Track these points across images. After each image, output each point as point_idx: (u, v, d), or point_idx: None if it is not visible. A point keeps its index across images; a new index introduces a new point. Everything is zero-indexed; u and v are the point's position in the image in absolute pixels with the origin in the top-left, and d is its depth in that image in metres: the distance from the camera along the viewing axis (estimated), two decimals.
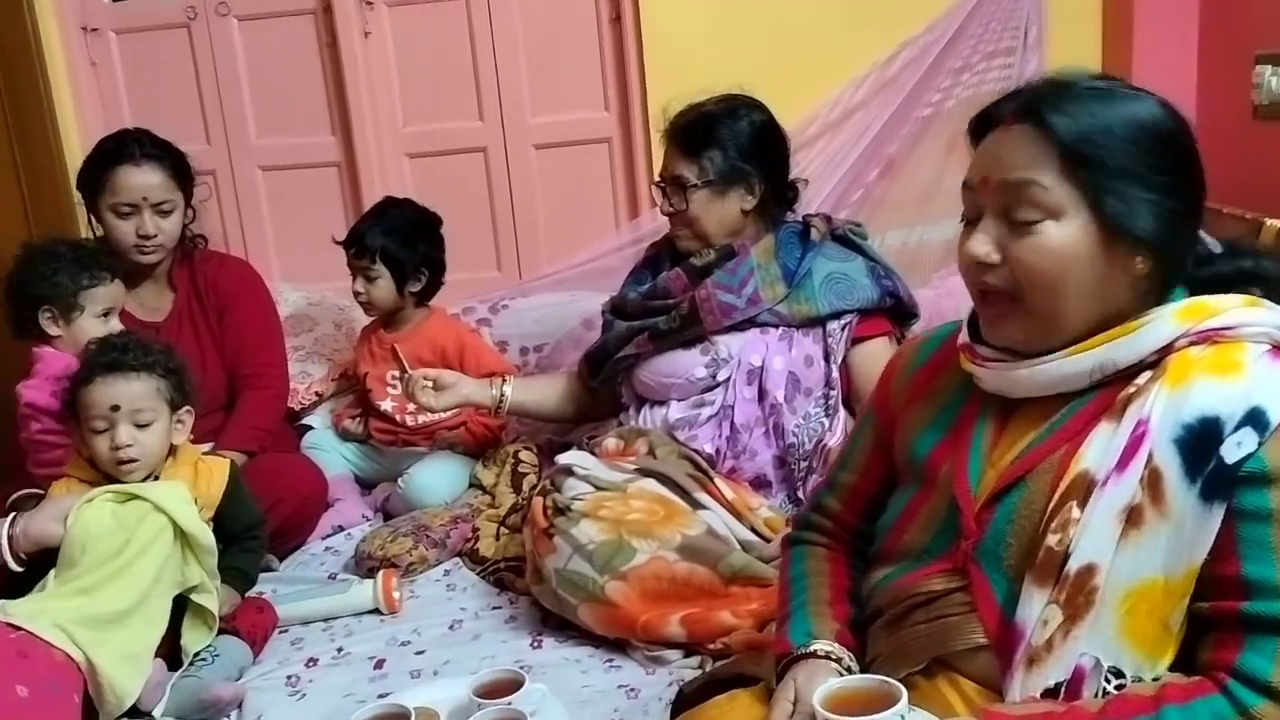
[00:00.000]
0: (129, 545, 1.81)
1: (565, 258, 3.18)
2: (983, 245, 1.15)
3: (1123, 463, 1.07)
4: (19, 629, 1.70)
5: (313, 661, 1.98)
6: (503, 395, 2.42)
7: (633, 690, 1.80)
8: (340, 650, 2.02)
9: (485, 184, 3.25)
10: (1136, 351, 1.11)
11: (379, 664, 1.96)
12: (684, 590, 1.90)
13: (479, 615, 2.13)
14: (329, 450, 2.78)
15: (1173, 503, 1.05)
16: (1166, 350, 1.10)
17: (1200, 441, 1.04)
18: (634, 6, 2.99)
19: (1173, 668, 1.06)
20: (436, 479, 2.58)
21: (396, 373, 2.42)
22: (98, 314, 2.28)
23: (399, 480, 2.62)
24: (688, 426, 2.19)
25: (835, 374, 2.17)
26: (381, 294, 2.68)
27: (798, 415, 2.15)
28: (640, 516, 1.95)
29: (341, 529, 2.57)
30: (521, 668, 1.74)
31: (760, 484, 2.18)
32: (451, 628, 2.08)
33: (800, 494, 2.16)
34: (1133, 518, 1.06)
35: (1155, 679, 1.05)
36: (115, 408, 1.87)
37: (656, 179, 2.29)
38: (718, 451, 2.17)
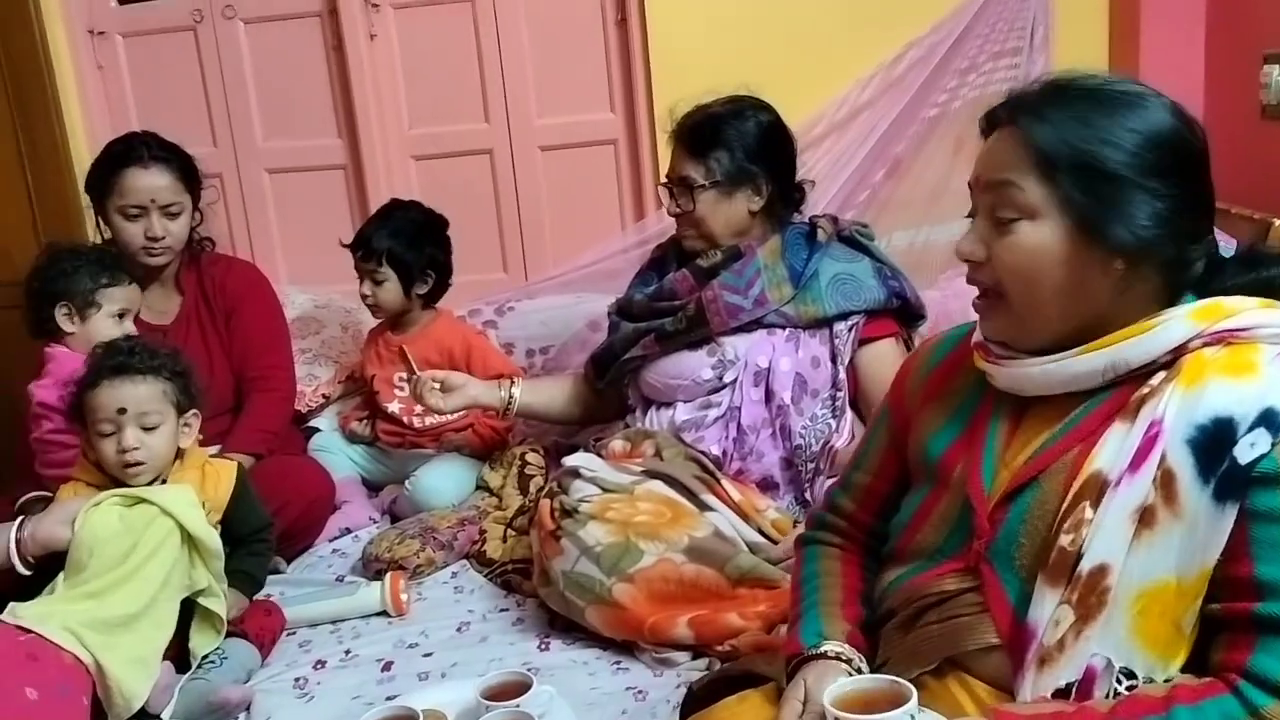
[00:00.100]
0: (136, 549, 1.81)
1: (571, 260, 3.17)
2: (968, 243, 1.19)
3: (1136, 463, 1.07)
4: (28, 631, 1.70)
5: (321, 664, 1.98)
6: (511, 397, 2.42)
7: (640, 692, 1.80)
8: (348, 652, 2.02)
9: (491, 186, 3.25)
10: (1149, 351, 1.11)
11: (387, 666, 1.96)
12: (691, 592, 1.90)
13: (486, 617, 2.12)
14: (336, 452, 2.78)
15: (1186, 503, 1.05)
16: (1180, 351, 1.11)
17: (1214, 442, 1.04)
18: (639, 8, 2.99)
19: (1185, 670, 1.06)
20: (443, 481, 2.58)
21: (404, 374, 2.42)
22: (113, 313, 2.31)
23: (406, 482, 2.62)
24: (694, 428, 2.19)
25: (842, 375, 2.17)
26: (388, 296, 2.68)
27: (805, 417, 2.15)
28: (647, 518, 1.95)
29: (349, 531, 2.57)
30: (529, 670, 1.76)
31: (767, 485, 2.17)
32: (459, 630, 2.08)
33: (807, 495, 2.16)
34: (1145, 518, 1.06)
35: (1167, 680, 1.05)
36: (122, 411, 1.87)
37: (663, 180, 2.29)
38: (724, 453, 2.16)
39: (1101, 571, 1.07)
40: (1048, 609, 1.10)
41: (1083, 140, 1.11)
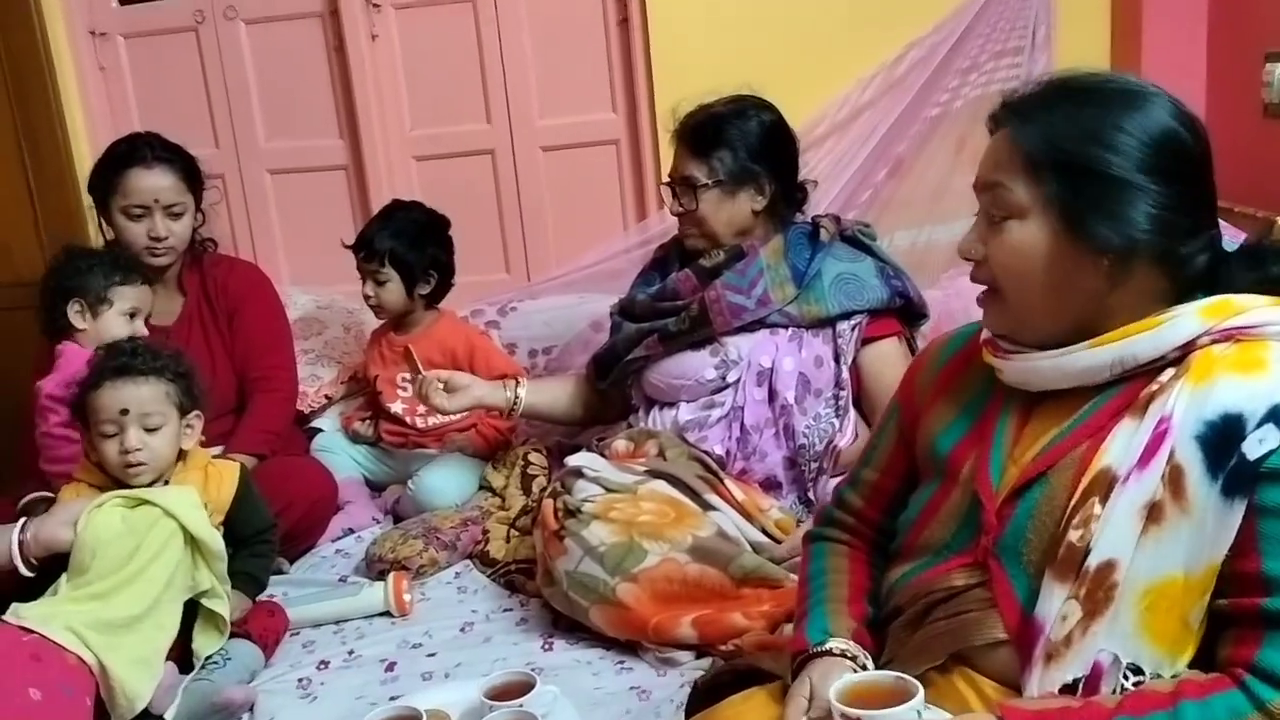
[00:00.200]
0: (140, 551, 1.81)
1: (573, 260, 3.18)
2: (966, 242, 1.22)
3: (1144, 459, 1.08)
4: (32, 632, 1.70)
5: (324, 664, 1.98)
6: (517, 398, 2.41)
7: (644, 692, 1.80)
8: (351, 653, 2.02)
9: (493, 187, 3.24)
10: (1158, 346, 1.12)
11: (390, 666, 1.96)
12: (695, 592, 1.89)
13: (490, 617, 2.12)
14: (339, 453, 2.78)
15: (1194, 499, 1.05)
16: (1189, 347, 1.11)
17: (1222, 438, 1.05)
18: (641, 8, 2.99)
19: (1191, 666, 1.06)
20: (446, 481, 2.58)
21: (408, 374, 2.42)
22: (124, 312, 2.32)
23: (409, 483, 2.62)
24: (698, 428, 2.19)
25: (845, 375, 2.17)
26: (391, 297, 2.68)
27: (808, 416, 2.15)
28: (651, 518, 1.95)
29: (351, 531, 2.56)
30: (533, 670, 1.75)
31: (770, 485, 2.17)
32: (463, 630, 2.08)
33: (810, 495, 2.16)
34: (1154, 514, 1.06)
35: (1173, 676, 1.05)
36: (124, 412, 1.87)
37: (665, 179, 2.29)
38: (728, 453, 2.16)
39: (1109, 567, 1.07)
40: (1055, 604, 1.10)
41: (1068, 140, 1.13)
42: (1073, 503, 1.11)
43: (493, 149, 3.22)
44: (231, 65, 3.26)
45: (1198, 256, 1.14)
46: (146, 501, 1.85)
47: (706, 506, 2.03)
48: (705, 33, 2.96)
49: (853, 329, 2.18)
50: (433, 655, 1.99)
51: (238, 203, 3.34)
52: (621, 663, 1.90)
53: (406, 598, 2.15)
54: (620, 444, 2.20)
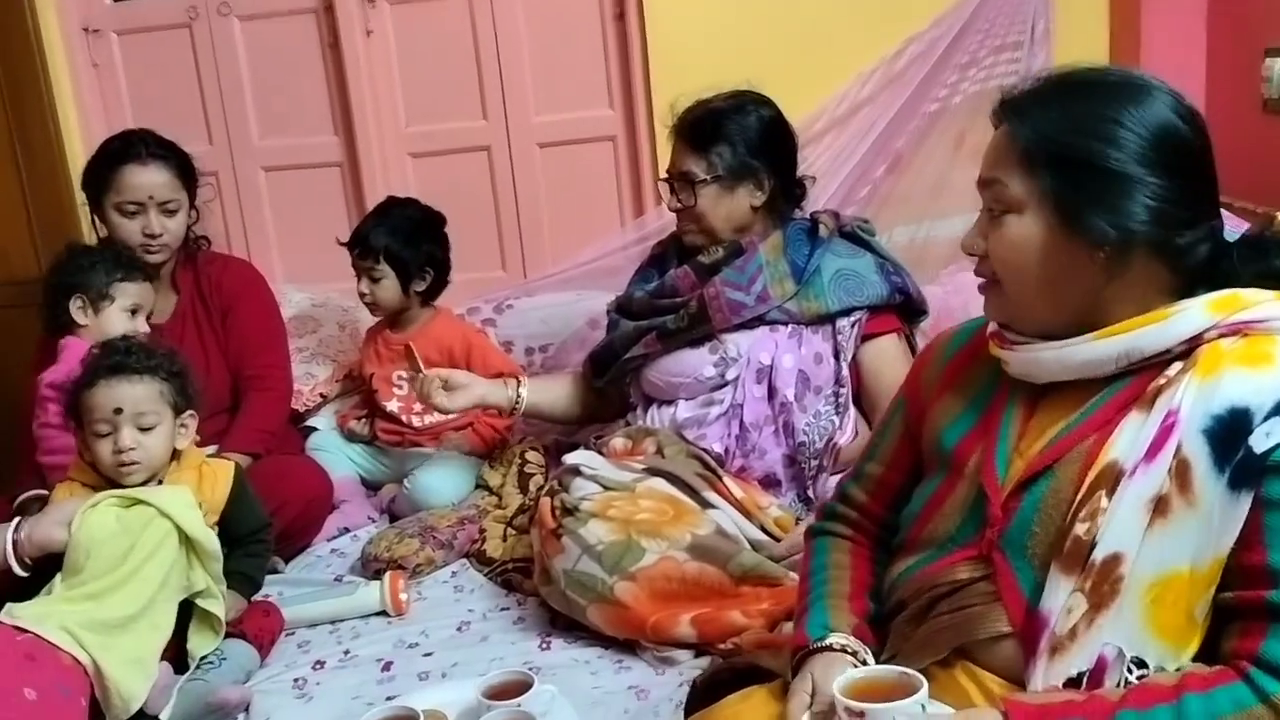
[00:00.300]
0: (134, 551, 1.80)
1: (570, 257, 3.17)
2: (968, 237, 1.25)
3: (1151, 453, 1.08)
4: (26, 632, 1.69)
5: (320, 664, 1.97)
6: (519, 397, 2.40)
7: (643, 691, 1.79)
8: (347, 652, 2.01)
9: (489, 183, 3.24)
10: (1164, 339, 1.12)
11: (386, 666, 1.95)
12: (694, 590, 1.89)
13: (487, 616, 2.11)
14: (334, 452, 2.76)
15: (1200, 493, 1.05)
16: (1196, 341, 1.11)
17: (1229, 432, 1.05)
18: (638, 3, 2.98)
19: (1196, 660, 1.06)
20: (443, 480, 2.57)
21: (408, 373, 2.40)
22: (126, 308, 2.32)
23: (405, 481, 2.61)
24: (696, 425, 2.18)
25: (845, 371, 2.16)
26: (386, 294, 2.67)
27: (808, 414, 2.14)
28: (649, 516, 1.94)
29: (347, 531, 2.55)
30: (530, 669, 1.75)
31: (769, 483, 2.17)
32: (459, 629, 2.07)
33: (810, 493, 2.15)
34: (1160, 507, 1.07)
35: (1178, 670, 1.05)
36: (118, 411, 1.85)
37: (664, 175, 2.28)
38: (726, 450, 2.16)
39: (1115, 560, 1.07)
40: (1061, 597, 1.10)
41: (1063, 134, 1.14)
42: (1079, 496, 1.12)
43: (489, 145, 3.21)
44: (225, 61, 3.25)
45: (1198, 247, 1.15)
46: (141, 501, 1.84)
47: (705, 504, 2.03)
48: (703, 28, 2.95)
49: (852, 325, 2.17)
50: (429, 655, 1.98)
51: (232, 200, 3.33)
52: (620, 662, 1.89)
53: (403, 597, 2.14)
54: (618, 442, 2.19)
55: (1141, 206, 1.11)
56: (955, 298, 2.47)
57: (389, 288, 2.66)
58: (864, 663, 1.23)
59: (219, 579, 1.91)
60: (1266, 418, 1.04)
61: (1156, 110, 1.13)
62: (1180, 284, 1.15)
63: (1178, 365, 1.11)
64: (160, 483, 1.92)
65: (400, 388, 2.72)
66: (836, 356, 2.16)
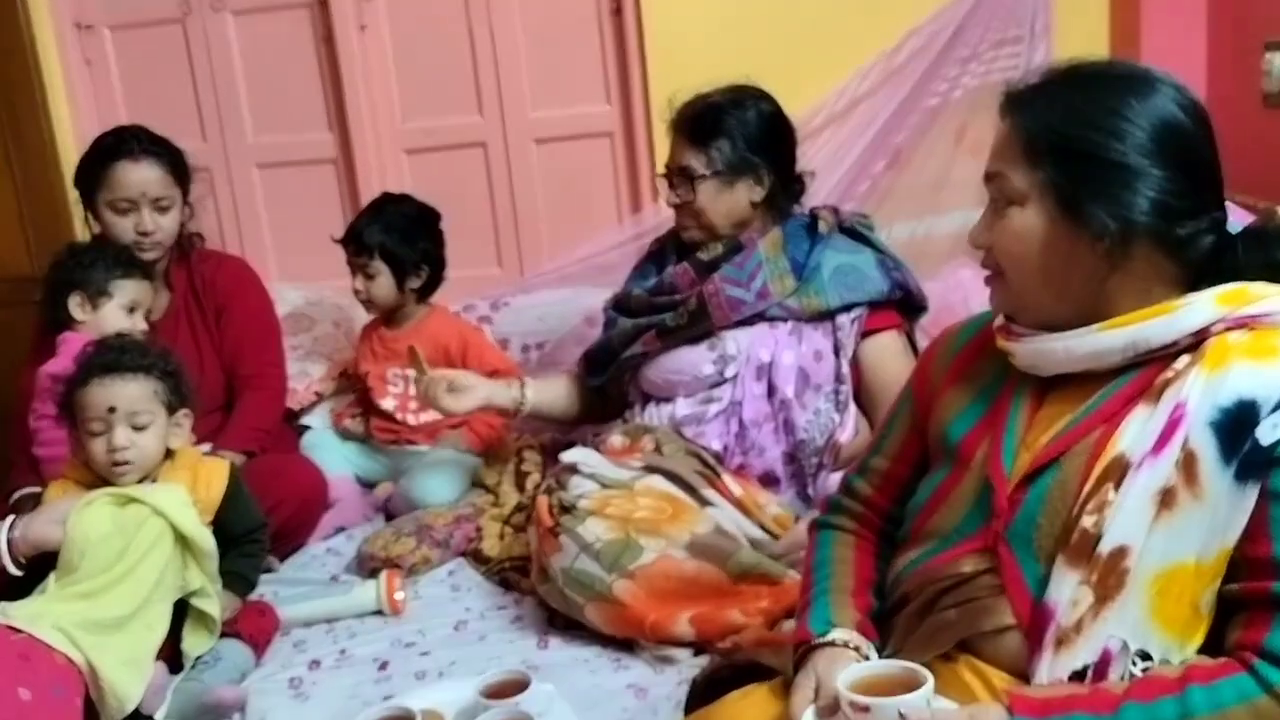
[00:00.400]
0: (129, 550, 1.79)
1: (567, 254, 3.16)
2: (974, 230, 1.26)
3: (1159, 445, 1.09)
4: (20, 632, 1.68)
5: (316, 664, 1.96)
6: (524, 398, 2.36)
7: (641, 690, 1.78)
8: (343, 652, 2.00)
9: (485, 180, 3.22)
10: (1171, 332, 1.13)
11: (383, 665, 1.94)
12: (693, 589, 1.88)
13: (484, 615, 2.10)
14: (329, 450, 2.75)
15: (1207, 485, 1.06)
16: (1204, 334, 1.12)
17: (1236, 424, 1.05)
18: None
19: (1200, 653, 1.06)
20: (439, 478, 2.56)
21: (413, 374, 2.36)
22: (124, 305, 2.33)
23: (400, 480, 2.60)
24: (695, 423, 2.17)
25: (845, 368, 2.14)
26: (381, 291, 2.66)
27: (808, 411, 2.13)
28: (648, 514, 1.94)
29: (342, 529, 2.55)
30: (528, 668, 1.74)
31: (768, 480, 2.15)
32: (456, 628, 2.06)
33: (810, 491, 2.14)
34: (1166, 500, 1.07)
35: (1182, 663, 1.06)
36: (112, 410, 1.84)
37: (662, 170, 2.26)
38: (725, 448, 2.14)
39: (1121, 553, 1.08)
40: (1067, 590, 1.10)
41: (1065, 126, 1.15)
42: (1087, 489, 1.12)
43: (485, 141, 3.20)
44: (218, 57, 3.24)
45: (1200, 239, 1.15)
46: (135, 500, 1.84)
47: (704, 502, 2.02)
48: (700, 22, 2.94)
49: (852, 322, 2.16)
50: (426, 654, 1.97)
51: (225, 197, 3.32)
52: (618, 661, 1.88)
53: (399, 596, 2.13)
54: (616, 439, 2.18)
55: (1143, 198, 1.11)
56: (955, 293, 2.46)
57: (384, 285, 2.65)
58: (867, 658, 1.22)
59: (214, 578, 1.91)
60: (1273, 410, 1.04)
61: (1159, 103, 1.13)
62: (1184, 276, 1.16)
63: (1185, 358, 1.12)
64: (154, 481, 1.91)
65: (395, 385, 2.71)
66: (836, 353, 2.15)
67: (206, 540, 1.88)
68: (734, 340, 2.17)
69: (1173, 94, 1.14)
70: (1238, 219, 1.20)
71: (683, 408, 2.19)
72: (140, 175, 2.44)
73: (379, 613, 2.13)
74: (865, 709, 1.08)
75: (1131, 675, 1.06)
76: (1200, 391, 1.08)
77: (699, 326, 2.18)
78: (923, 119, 2.87)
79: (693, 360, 2.19)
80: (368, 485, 2.76)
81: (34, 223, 3.24)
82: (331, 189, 3.29)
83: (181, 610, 1.86)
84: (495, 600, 2.16)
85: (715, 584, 1.89)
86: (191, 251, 2.62)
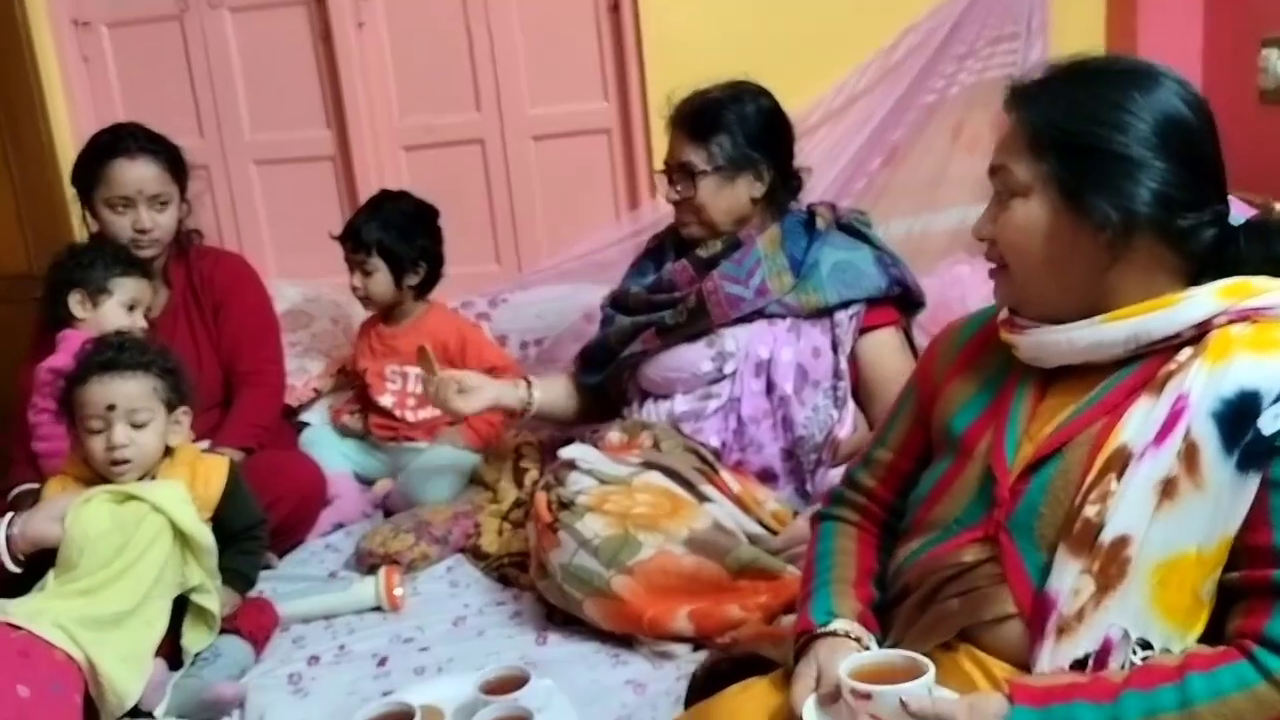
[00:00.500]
0: (128, 547, 1.79)
1: (565, 250, 3.16)
2: (978, 222, 1.27)
3: (1161, 436, 1.10)
4: (19, 629, 1.68)
5: (315, 659, 1.96)
6: (532, 398, 2.34)
7: (640, 686, 1.78)
8: (342, 648, 2.00)
9: (483, 176, 3.22)
10: (1173, 324, 1.14)
11: (382, 661, 1.94)
12: (691, 584, 1.88)
13: (483, 611, 2.10)
14: (328, 447, 2.75)
15: (1208, 475, 1.07)
16: (1206, 326, 1.13)
17: (1238, 415, 1.06)
18: None
19: (1201, 643, 1.07)
20: (437, 475, 2.56)
21: (421, 374, 2.35)
22: (123, 302, 2.33)
23: (399, 476, 2.60)
24: (694, 419, 2.17)
25: (844, 365, 2.14)
26: (379, 288, 2.66)
27: (807, 408, 2.13)
28: (646, 510, 1.94)
29: (341, 526, 2.55)
30: (527, 664, 1.73)
31: (766, 477, 2.15)
32: (455, 624, 2.06)
33: (808, 487, 2.14)
34: (1168, 490, 1.08)
35: (1182, 651, 1.07)
36: (111, 407, 1.84)
37: (661, 166, 2.26)
38: (724, 444, 2.15)
39: (1123, 542, 1.09)
40: (1068, 579, 1.11)
41: (1068, 118, 1.16)
42: (1089, 479, 1.13)
43: (483, 138, 3.20)
44: (216, 54, 3.23)
45: (1202, 231, 1.16)
46: (134, 497, 1.84)
47: (702, 498, 2.02)
48: (697, 19, 2.94)
49: (850, 318, 2.16)
50: (425, 650, 1.97)
51: (223, 194, 3.32)
52: (617, 656, 1.89)
53: (398, 592, 2.13)
54: (614, 435, 2.18)
55: (1145, 189, 1.12)
56: (952, 289, 2.46)
57: (381, 282, 2.65)
58: (867, 649, 1.23)
59: (213, 575, 1.91)
60: (1275, 401, 1.05)
61: (1163, 97, 1.15)
62: (1187, 268, 1.17)
63: (1188, 351, 1.13)
64: (153, 478, 1.91)
65: (394, 382, 2.71)
66: (835, 350, 2.15)
67: (205, 537, 1.88)
68: (733, 337, 2.17)
69: (1176, 89, 1.16)
70: (1240, 213, 1.21)
71: (681, 404, 2.20)
72: (137, 173, 2.44)
73: (378, 609, 2.13)
74: (867, 696, 1.08)
75: (1132, 664, 1.07)
76: (1203, 383, 1.09)
77: (698, 324, 2.18)
78: (919, 116, 2.87)
79: (691, 358, 2.19)
80: (366, 482, 2.76)
81: (32, 220, 3.24)
82: (330, 186, 3.29)
83: (181, 607, 1.86)
84: (494, 596, 2.16)
85: (713, 579, 1.89)
86: (190, 248, 2.62)
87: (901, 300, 2.23)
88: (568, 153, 3.16)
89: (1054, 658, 1.11)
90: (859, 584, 1.33)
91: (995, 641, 1.18)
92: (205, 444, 2.28)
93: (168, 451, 1.94)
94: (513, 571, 2.19)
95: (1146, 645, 1.07)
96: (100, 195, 2.45)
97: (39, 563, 1.82)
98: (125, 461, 1.85)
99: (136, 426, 1.86)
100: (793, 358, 2.13)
